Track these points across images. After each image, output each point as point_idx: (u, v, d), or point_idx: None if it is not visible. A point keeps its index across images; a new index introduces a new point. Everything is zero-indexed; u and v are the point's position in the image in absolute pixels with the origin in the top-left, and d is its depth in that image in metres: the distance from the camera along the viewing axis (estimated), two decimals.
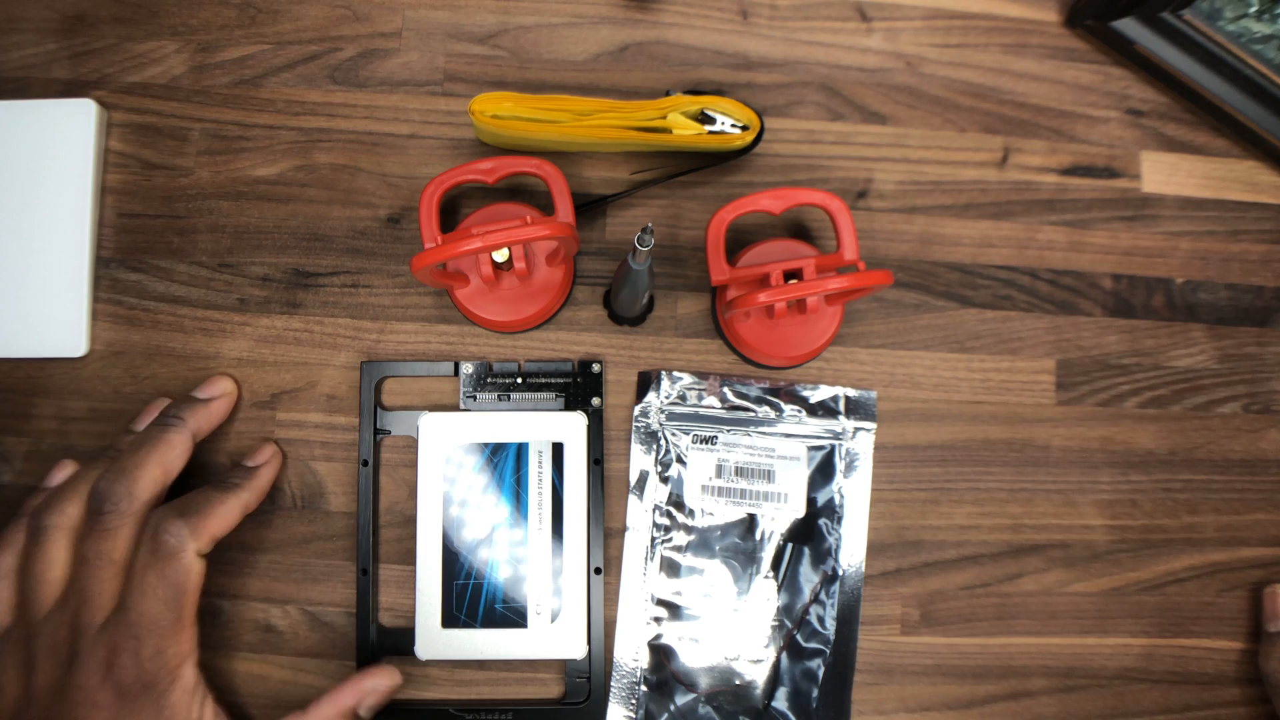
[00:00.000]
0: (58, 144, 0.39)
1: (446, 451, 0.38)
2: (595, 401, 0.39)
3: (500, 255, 0.36)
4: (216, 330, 0.39)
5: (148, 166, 0.40)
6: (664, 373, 0.39)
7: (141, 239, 0.39)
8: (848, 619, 0.39)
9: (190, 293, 0.39)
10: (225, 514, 0.34)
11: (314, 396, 0.39)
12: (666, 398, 0.39)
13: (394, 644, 0.38)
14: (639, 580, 0.38)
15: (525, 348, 0.40)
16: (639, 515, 0.39)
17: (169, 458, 0.34)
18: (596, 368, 0.39)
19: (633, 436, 0.39)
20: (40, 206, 0.38)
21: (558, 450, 0.38)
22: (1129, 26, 0.41)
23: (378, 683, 0.36)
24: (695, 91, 0.39)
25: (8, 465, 0.38)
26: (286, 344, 0.39)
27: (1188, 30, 0.40)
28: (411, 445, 0.39)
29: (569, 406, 0.39)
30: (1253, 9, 0.40)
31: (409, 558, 0.38)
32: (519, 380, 0.39)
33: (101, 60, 0.40)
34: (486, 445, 0.38)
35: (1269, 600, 0.40)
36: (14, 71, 0.40)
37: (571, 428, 0.38)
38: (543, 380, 0.39)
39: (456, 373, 0.39)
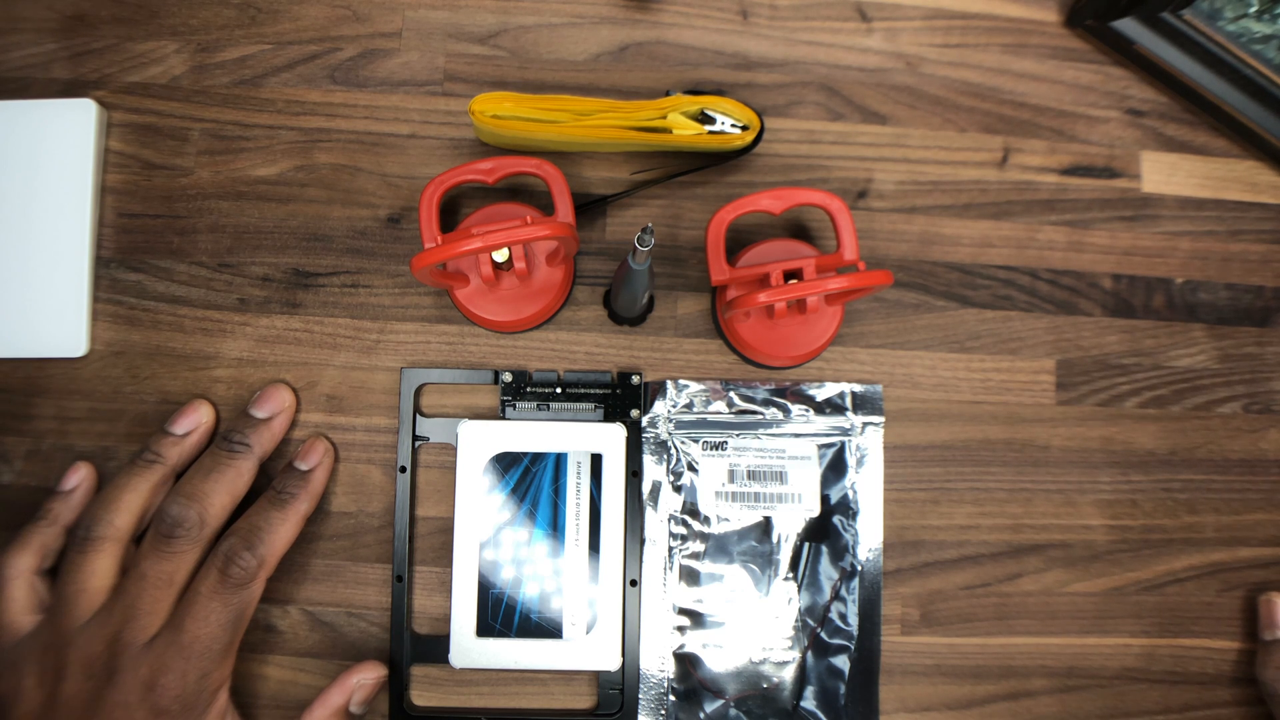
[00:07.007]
0: (58, 144, 0.39)
1: (485, 460, 0.38)
2: (634, 413, 0.39)
3: (500, 255, 0.36)
4: (216, 330, 0.39)
5: (148, 166, 0.40)
6: (669, 381, 0.39)
7: (141, 239, 0.39)
8: (870, 614, 0.39)
9: (190, 293, 0.39)
10: (287, 534, 0.35)
11: (314, 397, 0.39)
12: (673, 406, 0.39)
13: (427, 652, 0.38)
14: (659, 591, 0.38)
15: (525, 348, 0.40)
16: (655, 526, 0.39)
17: (238, 486, 0.35)
18: (636, 379, 0.39)
19: (643, 448, 0.39)
20: (40, 206, 0.38)
21: (596, 461, 0.38)
22: (1129, 26, 0.41)
23: (363, 677, 0.36)
24: (695, 91, 0.39)
25: (8, 465, 0.38)
26: (286, 344, 0.39)
27: (1188, 30, 0.40)
28: (448, 452, 0.39)
29: (608, 418, 0.39)
30: (1253, 9, 0.40)
31: (439, 564, 0.38)
32: (558, 390, 0.39)
33: (101, 60, 0.40)
34: (525, 455, 0.38)
35: (1265, 608, 0.40)
36: (14, 71, 0.40)
37: (611, 439, 0.38)
38: (582, 390, 0.39)
39: (496, 381, 0.39)
